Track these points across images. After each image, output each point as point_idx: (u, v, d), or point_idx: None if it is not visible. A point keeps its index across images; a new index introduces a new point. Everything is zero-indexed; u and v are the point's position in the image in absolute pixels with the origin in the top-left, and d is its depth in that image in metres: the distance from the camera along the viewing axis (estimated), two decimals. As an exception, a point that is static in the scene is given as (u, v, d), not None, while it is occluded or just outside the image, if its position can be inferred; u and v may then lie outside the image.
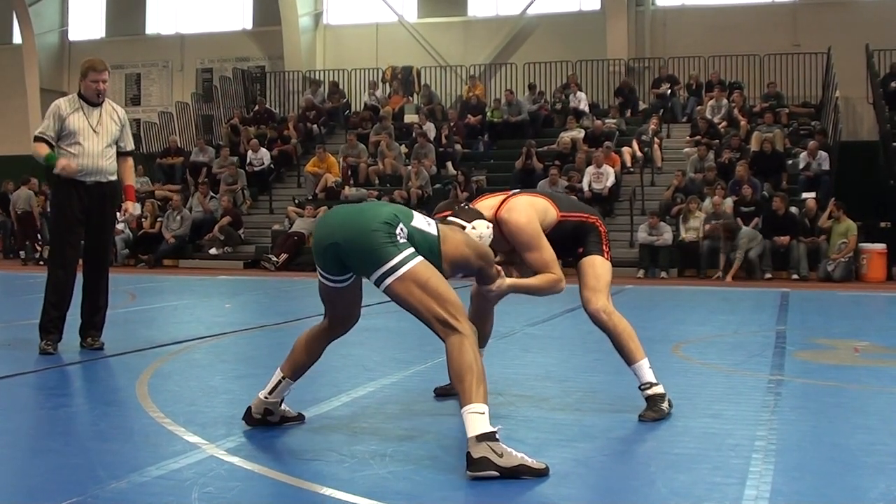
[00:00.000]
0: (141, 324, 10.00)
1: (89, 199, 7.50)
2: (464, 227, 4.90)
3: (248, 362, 7.50)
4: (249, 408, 4.94)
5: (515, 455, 4.01)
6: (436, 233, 4.58)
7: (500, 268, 5.05)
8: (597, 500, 3.90)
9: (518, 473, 3.98)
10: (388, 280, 4.32)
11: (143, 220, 21.35)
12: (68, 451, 4.44)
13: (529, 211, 5.23)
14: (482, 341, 5.61)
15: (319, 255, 4.57)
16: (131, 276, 17.52)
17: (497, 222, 5.19)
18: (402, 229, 4.39)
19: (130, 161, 7.93)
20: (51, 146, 7.44)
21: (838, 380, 6.69)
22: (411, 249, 4.37)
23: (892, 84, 21.78)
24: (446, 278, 4.49)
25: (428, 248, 4.48)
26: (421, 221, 4.57)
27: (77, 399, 6.13)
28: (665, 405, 5.20)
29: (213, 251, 20.75)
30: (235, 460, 4.26)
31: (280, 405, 4.96)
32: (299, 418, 5.08)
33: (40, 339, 7.44)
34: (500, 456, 3.98)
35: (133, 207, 8.03)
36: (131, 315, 10.62)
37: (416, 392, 5.94)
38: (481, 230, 4.96)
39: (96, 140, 7.49)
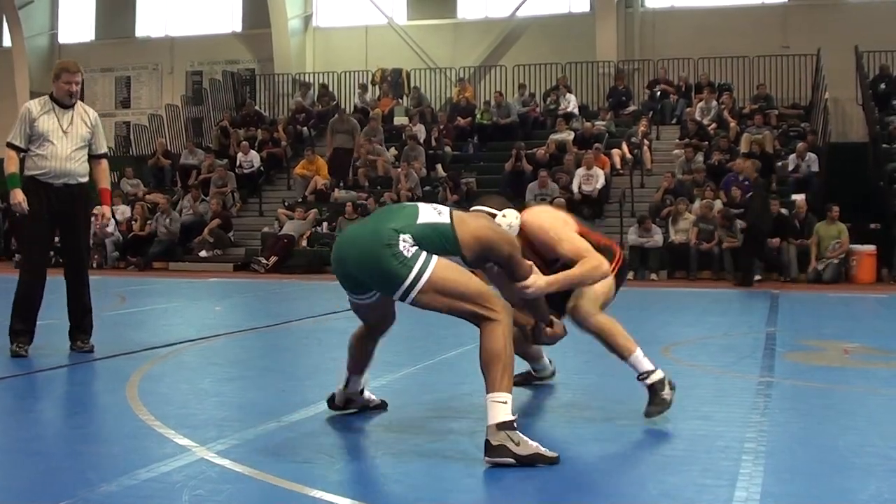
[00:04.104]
0: (131, 326, 9.97)
1: (58, 201, 7.39)
2: (493, 216, 4.89)
3: (238, 365, 7.49)
4: (333, 394, 5.27)
5: (531, 444, 4.16)
6: (448, 220, 4.53)
7: (532, 264, 4.84)
8: (586, 502, 3.90)
9: (533, 462, 4.11)
10: (411, 296, 4.38)
11: (133, 222, 21.35)
12: (58, 454, 4.43)
13: (551, 213, 5.20)
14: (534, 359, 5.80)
15: (341, 281, 4.69)
16: (121, 278, 17.51)
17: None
18: (405, 241, 4.37)
19: (104, 164, 7.76)
20: (22, 150, 7.37)
21: (828, 381, 6.71)
22: (422, 256, 4.36)
23: (882, 85, 21.86)
24: (470, 266, 4.51)
25: (440, 238, 4.45)
26: (429, 214, 4.54)
27: (67, 402, 6.11)
28: (667, 392, 5.09)
29: (202, 254, 20.71)
30: (226, 463, 4.25)
31: (361, 395, 5.25)
32: (382, 406, 5.35)
33: (10, 343, 7.40)
34: (518, 444, 4.13)
35: (108, 211, 7.81)
36: (121, 318, 10.60)
37: (405, 394, 5.94)
38: (511, 219, 4.93)
39: (66, 142, 7.39)
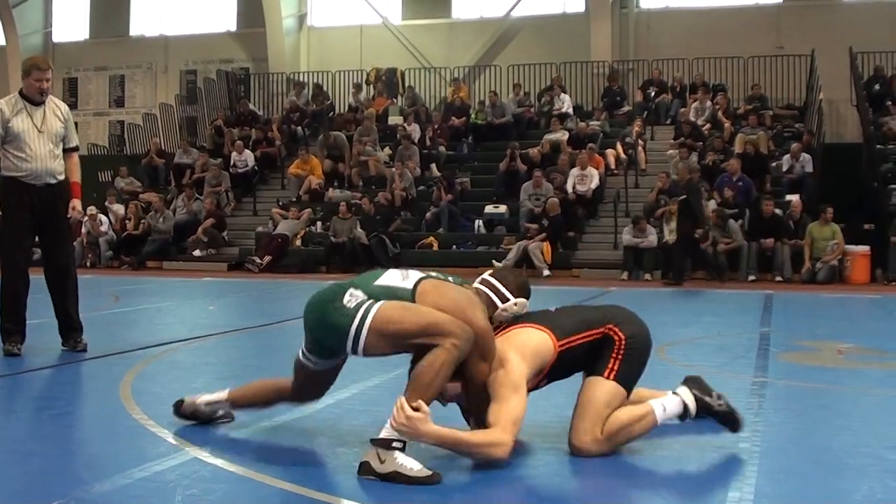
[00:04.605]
0: (124, 326, 9.96)
1: (40, 201, 7.32)
2: (496, 307, 4.54)
3: (231, 364, 7.48)
4: (182, 400, 4.92)
5: (395, 462, 3.94)
6: (410, 286, 4.36)
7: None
8: (580, 501, 3.90)
9: (394, 480, 3.92)
10: (360, 346, 4.23)
11: (126, 221, 21.34)
12: (51, 454, 4.42)
13: (532, 343, 4.49)
14: None
15: (307, 340, 4.54)
16: (115, 277, 17.49)
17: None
18: (350, 295, 4.29)
19: (76, 157, 7.67)
20: None
21: (822, 381, 6.71)
22: (365, 304, 4.23)
23: (876, 86, 21.90)
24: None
25: (395, 300, 4.29)
26: (392, 278, 4.42)
27: (60, 401, 6.09)
28: (719, 400, 4.72)
29: (196, 253, 20.71)
30: (219, 462, 4.24)
31: (214, 414, 4.93)
32: (228, 417, 4.99)
33: (3, 342, 7.38)
34: (382, 462, 3.97)
35: (78, 204, 7.63)
36: (115, 317, 10.58)
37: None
38: (511, 306, 4.55)
39: (43, 141, 7.29)
